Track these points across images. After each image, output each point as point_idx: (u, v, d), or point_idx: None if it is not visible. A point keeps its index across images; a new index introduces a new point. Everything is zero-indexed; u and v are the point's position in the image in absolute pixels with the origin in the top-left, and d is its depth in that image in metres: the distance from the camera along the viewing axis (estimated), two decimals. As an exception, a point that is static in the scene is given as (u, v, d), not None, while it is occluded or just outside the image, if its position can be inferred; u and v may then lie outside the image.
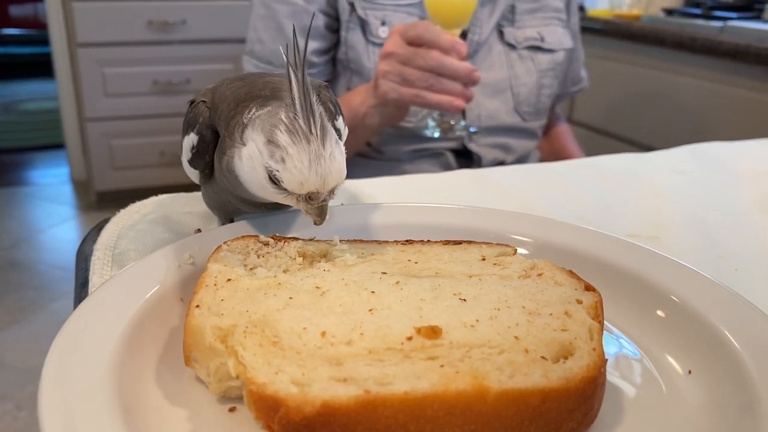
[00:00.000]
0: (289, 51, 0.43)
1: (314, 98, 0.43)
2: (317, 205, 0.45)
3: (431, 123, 1.02)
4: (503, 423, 0.34)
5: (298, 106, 0.43)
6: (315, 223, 0.46)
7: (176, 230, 0.60)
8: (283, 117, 0.43)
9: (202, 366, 0.38)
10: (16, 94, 4.33)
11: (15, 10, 4.55)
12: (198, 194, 0.66)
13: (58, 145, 3.19)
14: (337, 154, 0.44)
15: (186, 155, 0.53)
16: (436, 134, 1.03)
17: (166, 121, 2.76)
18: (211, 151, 0.51)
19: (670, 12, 2.19)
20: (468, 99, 0.92)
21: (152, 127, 2.77)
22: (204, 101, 0.51)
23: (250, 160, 0.45)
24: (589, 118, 2.21)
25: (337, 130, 0.53)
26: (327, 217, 0.45)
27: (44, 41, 3.01)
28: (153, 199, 0.66)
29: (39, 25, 4.20)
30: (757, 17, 2.05)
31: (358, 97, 1.01)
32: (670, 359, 0.43)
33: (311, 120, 0.43)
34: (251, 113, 0.46)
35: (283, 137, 0.43)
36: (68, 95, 2.76)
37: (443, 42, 0.88)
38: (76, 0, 2.59)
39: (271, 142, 0.43)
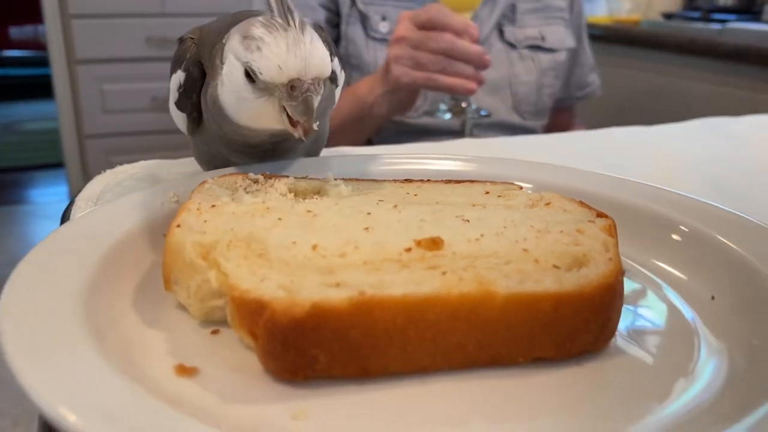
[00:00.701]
0: None
1: (293, 4, 0.40)
2: (301, 97, 0.40)
3: (443, 107, 0.99)
4: (512, 331, 0.31)
5: (274, 7, 0.40)
6: (303, 130, 0.40)
7: (164, 187, 0.57)
8: (259, 18, 0.41)
9: (182, 287, 0.35)
10: (16, 114, 4.33)
11: (15, 32, 4.57)
12: (188, 159, 0.63)
13: (58, 164, 3.17)
14: (318, 43, 0.40)
15: (173, 96, 0.50)
16: (447, 117, 1.01)
17: (165, 137, 2.75)
18: (198, 90, 0.48)
19: (669, 16, 2.18)
20: (480, 82, 0.90)
21: (151, 144, 2.75)
22: (192, 37, 0.48)
23: (229, 74, 0.42)
24: (591, 124, 2.19)
25: (333, 71, 0.51)
26: (314, 118, 0.40)
27: (44, 62, 3.01)
28: (141, 163, 0.64)
29: (39, 46, 4.22)
30: (756, 18, 2.04)
31: (365, 86, 0.99)
32: (692, 286, 0.40)
33: (288, 15, 0.40)
34: (228, 33, 0.43)
35: (258, 30, 0.40)
36: (68, 113, 2.74)
37: (456, 24, 0.87)
38: (75, 17, 2.59)
39: (246, 37, 0.40)
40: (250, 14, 0.46)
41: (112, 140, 2.76)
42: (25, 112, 4.36)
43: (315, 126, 0.40)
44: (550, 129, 1.24)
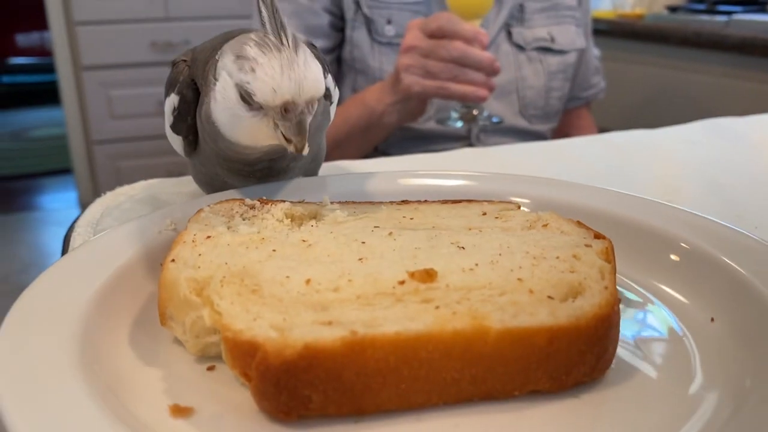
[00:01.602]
0: None
1: (285, 19, 0.40)
2: (295, 120, 0.40)
3: (454, 114, 0.99)
4: (508, 366, 0.31)
5: (267, 25, 0.40)
6: (296, 149, 0.40)
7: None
8: (252, 36, 0.40)
9: (177, 323, 0.35)
10: (24, 121, 4.36)
11: (22, 40, 4.60)
12: (187, 178, 0.63)
13: (66, 170, 3.19)
14: (311, 63, 0.40)
15: (168, 120, 0.50)
16: (459, 125, 1.00)
17: (172, 141, 2.76)
18: (193, 113, 0.48)
19: (673, 9, 2.16)
20: (491, 89, 0.90)
21: (158, 148, 2.76)
22: (184, 60, 0.48)
23: (223, 90, 0.41)
24: (597, 119, 2.18)
25: (326, 89, 0.50)
26: (307, 140, 0.40)
27: (50, 69, 3.03)
28: (141, 183, 0.64)
29: (45, 52, 4.24)
30: (762, 10, 2.02)
31: (374, 95, 0.98)
32: (691, 308, 0.40)
33: (282, 34, 0.40)
34: (221, 50, 0.43)
35: (252, 50, 0.39)
36: (75, 119, 2.76)
37: (465, 32, 0.87)
38: (80, 24, 2.60)
39: (240, 57, 0.40)
40: (242, 30, 0.46)
41: (119, 145, 2.77)
42: (33, 119, 4.39)
43: (306, 147, 0.40)
44: (560, 132, 1.23)
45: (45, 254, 2.71)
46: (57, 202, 3.25)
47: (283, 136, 0.40)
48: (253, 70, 0.39)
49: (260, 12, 0.40)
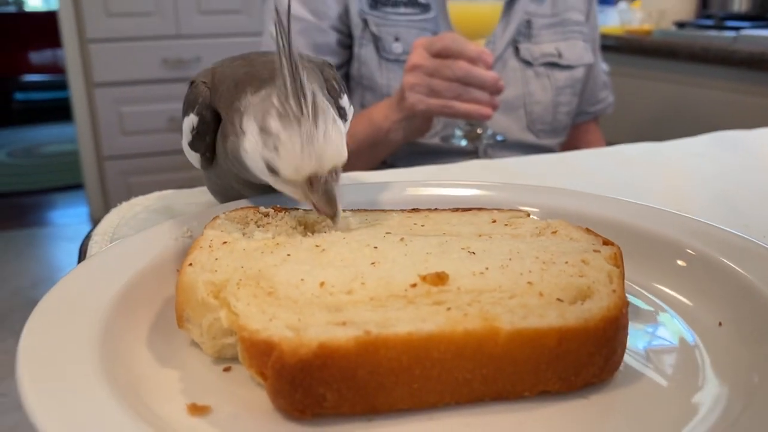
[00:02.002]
0: (278, 33, 0.41)
1: (305, 77, 0.40)
2: (321, 191, 0.41)
3: (458, 132, 1.00)
4: (518, 366, 0.32)
5: (288, 87, 0.40)
6: (330, 219, 0.42)
7: (178, 219, 0.58)
8: (274, 101, 0.41)
9: (194, 325, 0.36)
10: (37, 138, 4.41)
11: (35, 57, 4.66)
12: (201, 189, 0.64)
13: (77, 186, 3.22)
14: (332, 132, 0.41)
15: (186, 138, 0.51)
16: (463, 143, 1.01)
17: (182, 157, 2.75)
18: (212, 133, 0.49)
19: (681, 25, 2.17)
20: (495, 108, 0.91)
21: (169, 164, 2.79)
22: (204, 82, 0.49)
23: (253, 151, 0.43)
24: (606, 134, 2.19)
25: (341, 108, 0.51)
26: (339, 207, 0.42)
27: (63, 86, 3.07)
28: (156, 194, 0.65)
29: (58, 70, 4.30)
30: (771, 25, 2.03)
31: (380, 112, 1.00)
32: (698, 312, 0.40)
33: (302, 100, 0.40)
34: (247, 99, 0.44)
35: (274, 123, 0.41)
36: (87, 135, 2.79)
37: (470, 52, 0.88)
38: (93, 42, 2.64)
39: (263, 130, 0.41)
40: (263, 64, 0.47)
41: (130, 161, 2.80)
42: (45, 135, 4.45)
43: (339, 213, 0.42)
44: (568, 146, 1.23)
45: (56, 269, 2.73)
46: (68, 217, 3.27)
47: (314, 204, 0.42)
48: (276, 148, 0.40)
49: (281, 67, 0.40)
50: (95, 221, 0.54)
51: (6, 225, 3.12)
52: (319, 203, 0.41)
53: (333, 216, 0.42)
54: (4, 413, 1.80)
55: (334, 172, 0.41)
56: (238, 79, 0.46)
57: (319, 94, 0.42)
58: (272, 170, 0.42)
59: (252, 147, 0.42)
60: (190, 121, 0.49)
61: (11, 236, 2.99)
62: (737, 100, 1.82)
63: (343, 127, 0.42)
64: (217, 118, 0.48)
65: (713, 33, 1.97)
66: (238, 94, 0.45)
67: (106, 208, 2.83)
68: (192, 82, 0.51)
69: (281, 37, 0.40)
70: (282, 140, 0.40)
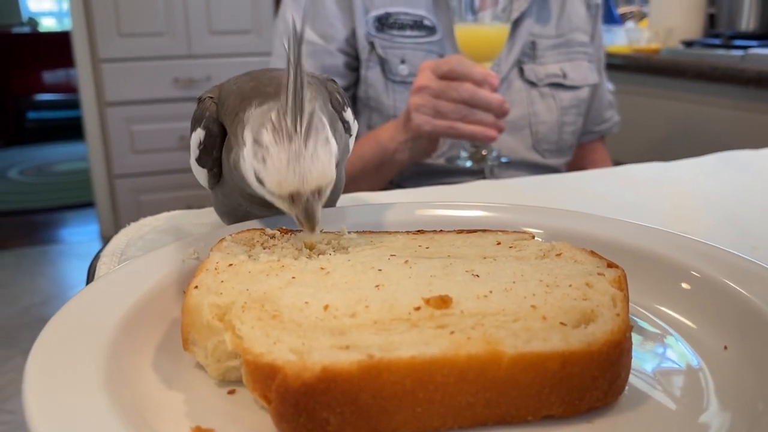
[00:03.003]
0: (289, 50, 0.41)
1: (307, 95, 0.41)
2: (302, 207, 0.42)
3: (463, 154, 1.01)
4: (521, 390, 0.32)
5: (289, 103, 0.41)
6: (307, 231, 0.43)
7: (186, 239, 0.59)
8: (272, 116, 0.42)
9: (200, 347, 0.36)
10: (49, 156, 4.46)
11: (48, 77, 4.73)
12: (209, 209, 0.65)
13: (88, 204, 3.25)
14: (321, 153, 0.41)
15: (193, 153, 0.51)
16: (468, 164, 1.02)
17: (193, 176, 2.79)
18: (219, 147, 0.50)
19: (689, 44, 2.18)
20: (500, 130, 0.91)
21: (179, 182, 2.81)
22: (211, 97, 0.50)
23: (248, 159, 0.43)
24: (613, 153, 2.19)
25: (345, 122, 0.52)
26: (318, 224, 0.42)
27: (75, 105, 3.12)
28: (164, 214, 0.65)
29: (70, 89, 4.36)
30: (779, 44, 2.03)
31: (387, 133, 1.01)
32: (704, 336, 0.40)
33: (298, 118, 0.41)
34: (250, 111, 0.45)
35: (267, 136, 0.41)
36: (98, 153, 2.82)
37: (476, 74, 0.89)
38: (105, 61, 2.67)
39: (256, 141, 0.42)
40: (270, 79, 0.48)
41: (141, 179, 2.82)
42: (57, 154, 4.49)
43: (318, 230, 0.43)
44: (574, 166, 1.23)
45: (66, 286, 2.75)
46: (79, 235, 3.30)
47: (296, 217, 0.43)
48: (264, 160, 0.41)
49: (288, 81, 0.40)
50: (106, 239, 0.55)
51: (17, 242, 3.14)
52: (299, 218, 0.42)
53: (311, 230, 0.43)
54: (13, 431, 1.80)
55: (317, 192, 0.42)
56: (245, 93, 0.47)
57: (319, 114, 0.42)
58: (260, 181, 0.43)
59: (247, 157, 0.43)
60: (198, 135, 0.50)
61: (22, 253, 3.02)
62: (745, 119, 1.81)
63: (335, 149, 0.43)
64: (224, 133, 0.49)
65: (721, 52, 1.97)
66: (243, 107, 0.46)
67: (117, 225, 2.85)
68: (200, 99, 0.52)
69: (292, 54, 0.40)
70: (270, 153, 0.41)
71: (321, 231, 0.47)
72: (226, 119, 0.48)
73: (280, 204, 0.43)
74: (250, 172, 0.43)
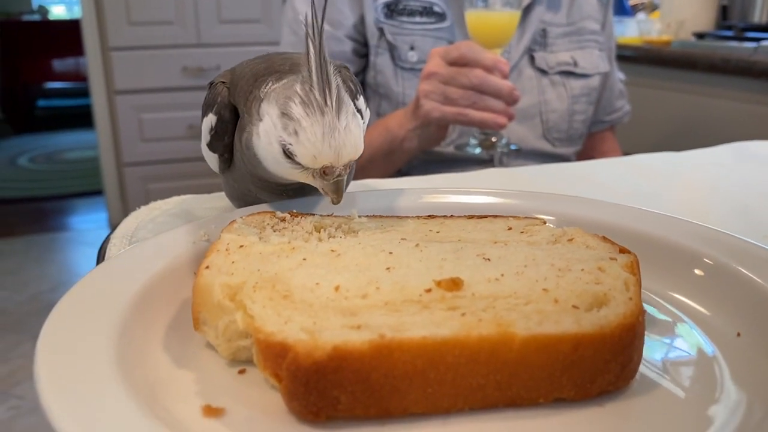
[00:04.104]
0: (308, 23, 0.41)
1: (331, 69, 0.42)
2: (333, 180, 0.43)
3: (473, 141, 1.00)
4: (532, 373, 0.31)
5: (314, 77, 0.41)
6: (332, 202, 0.44)
7: (196, 223, 0.59)
8: (298, 89, 0.42)
9: (210, 327, 0.36)
10: (59, 144, 4.48)
11: (58, 65, 4.74)
12: (219, 194, 0.65)
13: (97, 192, 3.26)
14: (352, 126, 0.42)
15: (205, 139, 0.51)
16: (478, 151, 1.02)
17: (201, 164, 2.79)
18: (230, 132, 0.50)
19: (701, 36, 2.16)
20: (510, 117, 0.91)
21: (188, 171, 2.82)
22: (223, 81, 0.50)
23: (266, 135, 0.44)
24: (623, 145, 2.18)
25: (358, 110, 0.52)
26: (344, 194, 0.44)
27: (85, 93, 3.12)
28: (174, 198, 0.65)
29: (80, 77, 4.37)
30: (792, 37, 2.01)
31: (396, 120, 1.00)
32: (717, 322, 0.40)
33: (327, 91, 0.41)
34: (268, 87, 0.45)
35: (296, 109, 0.41)
36: (107, 141, 2.83)
37: (486, 60, 0.88)
38: (114, 50, 2.68)
39: (284, 114, 0.42)
40: (283, 59, 0.48)
41: (149, 168, 2.83)
42: (67, 142, 4.51)
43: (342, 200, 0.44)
44: (584, 155, 1.23)
45: (75, 274, 2.76)
46: (88, 222, 3.31)
47: (321, 187, 0.44)
48: (296, 133, 0.41)
49: (308, 56, 0.41)
50: (114, 227, 0.55)
51: (27, 229, 3.16)
52: (326, 189, 0.43)
53: (337, 201, 0.44)
54: (22, 416, 1.82)
55: (348, 165, 0.43)
56: (258, 73, 0.47)
57: (342, 89, 0.42)
58: (287, 154, 0.43)
59: (269, 130, 0.43)
60: (209, 121, 0.50)
61: (31, 240, 3.03)
62: (757, 112, 1.80)
63: (361, 123, 0.43)
64: (236, 119, 0.49)
65: (733, 44, 1.95)
66: (258, 84, 0.46)
67: (125, 213, 2.86)
68: (211, 83, 0.52)
69: (312, 29, 0.40)
70: (304, 126, 0.41)
71: (331, 214, 0.47)
72: (238, 100, 0.48)
73: (303, 175, 0.44)
74: (272, 147, 0.43)
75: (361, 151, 0.43)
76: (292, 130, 0.42)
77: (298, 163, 0.43)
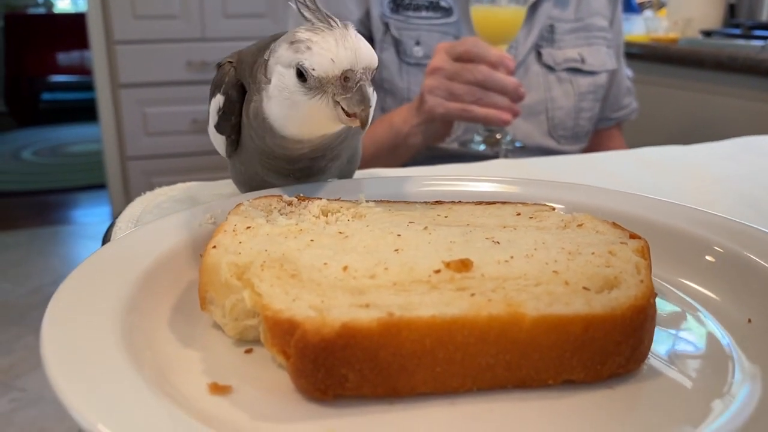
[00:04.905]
0: None
1: (322, 6, 0.42)
2: (355, 88, 0.41)
3: (477, 138, 1.00)
4: (542, 353, 0.31)
5: (311, 17, 0.42)
6: (360, 122, 0.41)
7: (201, 209, 0.59)
8: (301, 27, 0.42)
9: (217, 306, 0.36)
10: (63, 137, 4.48)
11: (63, 58, 4.73)
12: (226, 181, 0.64)
13: (100, 185, 3.27)
14: (362, 40, 0.42)
15: (212, 119, 0.51)
16: (482, 148, 1.01)
17: (204, 158, 2.81)
18: (238, 112, 0.49)
19: (708, 33, 2.15)
20: (515, 114, 0.90)
21: (191, 165, 2.82)
22: (230, 61, 0.50)
23: (279, 84, 0.43)
24: (630, 142, 2.17)
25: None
26: (371, 107, 0.42)
27: (89, 87, 3.12)
28: (180, 185, 0.65)
29: (84, 71, 4.37)
30: (800, 35, 2.00)
31: (400, 116, 1.00)
32: (728, 309, 0.39)
33: (328, 18, 0.42)
34: (270, 51, 0.45)
35: (304, 34, 0.41)
36: (111, 135, 2.83)
37: (491, 56, 0.87)
38: (119, 43, 2.67)
39: (293, 42, 0.42)
40: (284, 33, 0.48)
41: (153, 162, 2.83)
42: (71, 135, 4.51)
43: (369, 122, 0.42)
44: (590, 152, 1.22)
45: (76, 266, 2.76)
46: (90, 216, 3.31)
47: (345, 112, 0.41)
48: (309, 48, 0.41)
49: (302, 14, 0.42)
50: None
51: (30, 222, 3.16)
52: (351, 103, 0.41)
53: (365, 118, 0.41)
54: (23, 408, 1.82)
55: (368, 72, 0.42)
56: (262, 46, 0.47)
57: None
58: (303, 76, 0.41)
59: (279, 77, 0.43)
60: (217, 101, 0.50)
61: (35, 233, 3.03)
62: (764, 110, 1.79)
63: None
64: (243, 98, 0.49)
65: (740, 42, 1.95)
66: (262, 53, 0.46)
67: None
68: (219, 64, 0.51)
69: None
70: (314, 41, 0.41)
71: (339, 199, 0.47)
72: (245, 74, 0.48)
73: (323, 107, 0.41)
74: (287, 84, 0.42)
75: (376, 59, 0.42)
76: (304, 48, 0.41)
77: (316, 84, 0.41)
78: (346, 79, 0.41)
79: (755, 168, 0.76)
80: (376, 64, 0.42)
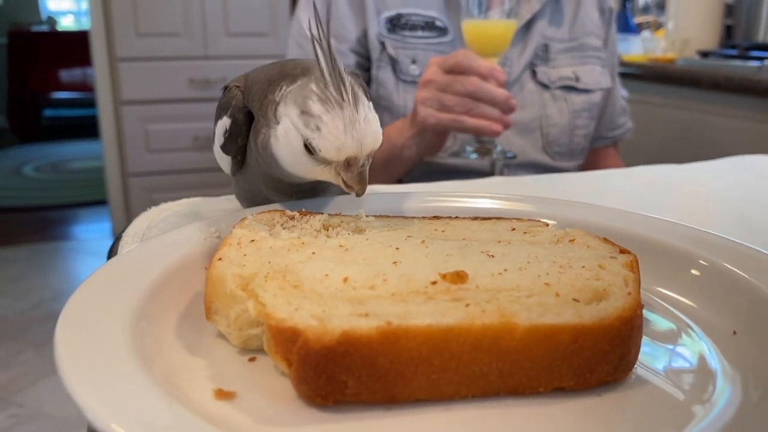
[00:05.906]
0: (313, 25, 0.43)
1: (342, 66, 0.43)
2: (357, 171, 0.44)
3: (469, 148, 1.02)
4: (534, 362, 0.33)
5: (327, 76, 0.43)
6: (356, 194, 0.45)
7: (205, 223, 0.60)
8: (314, 88, 0.44)
9: (222, 316, 0.37)
10: (64, 154, 4.51)
11: (65, 75, 4.78)
12: (229, 197, 0.66)
13: (101, 202, 3.29)
14: (371, 117, 0.44)
15: (218, 141, 0.53)
16: (473, 156, 1.03)
17: (206, 175, 2.83)
18: (244, 135, 0.51)
19: (705, 54, 2.18)
20: (506, 125, 0.92)
21: (193, 182, 2.84)
22: (237, 86, 0.52)
23: (286, 136, 0.45)
24: (627, 162, 2.19)
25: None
26: (367, 185, 0.45)
27: (91, 103, 3.15)
28: (184, 200, 0.67)
29: (86, 88, 4.41)
30: (795, 57, 2.03)
31: (395, 129, 1.02)
32: (713, 321, 0.41)
33: (342, 87, 0.43)
34: (282, 90, 0.46)
35: (316, 106, 0.43)
36: (112, 152, 2.85)
37: (481, 68, 0.89)
38: (122, 60, 2.70)
39: (304, 112, 0.44)
40: (295, 64, 0.49)
41: (154, 178, 2.85)
42: (72, 152, 4.54)
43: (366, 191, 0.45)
44: (586, 170, 1.23)
45: (77, 282, 2.72)
46: (91, 232, 3.32)
47: (344, 182, 0.45)
48: (318, 128, 0.43)
49: (317, 58, 0.43)
50: (117, 237, 0.56)
51: (30, 238, 3.17)
52: (351, 182, 0.45)
53: (362, 193, 0.45)
54: (22, 423, 1.82)
55: (369, 155, 0.45)
56: (272, 78, 0.49)
57: (356, 84, 0.44)
58: (310, 150, 0.44)
59: (289, 131, 0.45)
60: (223, 123, 0.52)
61: (35, 249, 3.04)
62: (760, 130, 1.81)
63: (376, 115, 0.45)
64: (250, 121, 0.50)
65: (737, 62, 1.97)
66: (272, 89, 0.48)
67: (129, 223, 2.88)
68: (226, 87, 0.53)
69: (318, 28, 0.42)
70: (325, 121, 0.43)
71: (339, 213, 0.49)
72: (253, 104, 0.49)
73: (325, 172, 0.45)
74: (293, 145, 0.45)
75: (381, 140, 0.45)
76: (314, 126, 0.43)
77: (321, 159, 0.44)
78: (349, 164, 0.44)
79: (747, 187, 0.78)
80: (380, 144, 0.45)
